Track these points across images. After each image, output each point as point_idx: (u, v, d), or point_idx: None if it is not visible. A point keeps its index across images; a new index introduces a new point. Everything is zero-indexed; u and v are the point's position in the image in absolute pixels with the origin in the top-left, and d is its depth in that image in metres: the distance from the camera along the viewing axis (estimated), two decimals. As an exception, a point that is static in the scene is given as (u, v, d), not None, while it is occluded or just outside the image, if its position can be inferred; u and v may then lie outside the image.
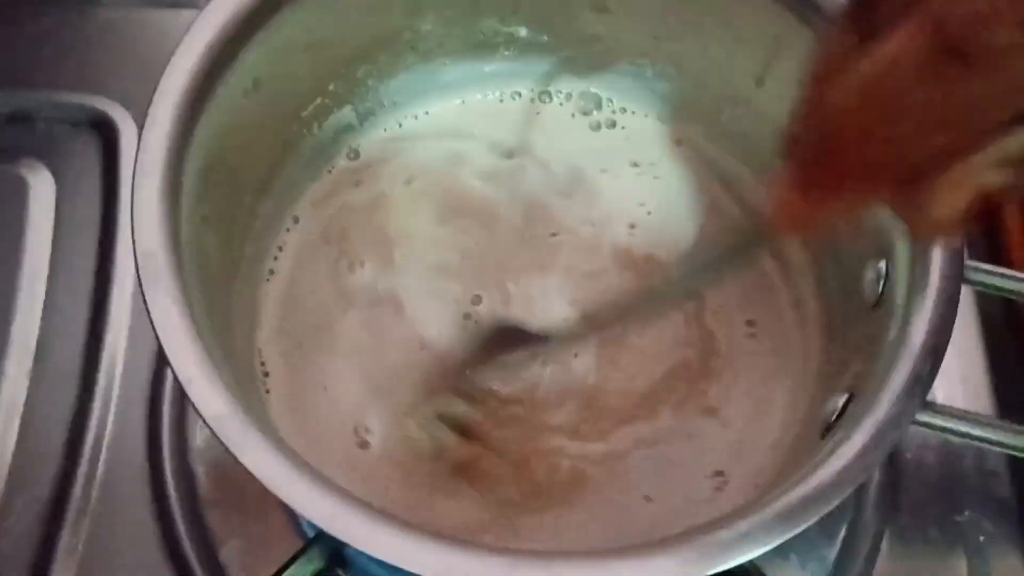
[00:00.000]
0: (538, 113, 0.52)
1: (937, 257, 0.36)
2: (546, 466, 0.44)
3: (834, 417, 0.37)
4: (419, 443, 0.44)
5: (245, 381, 0.42)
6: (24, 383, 0.50)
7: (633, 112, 0.52)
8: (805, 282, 0.47)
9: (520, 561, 0.30)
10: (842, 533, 0.48)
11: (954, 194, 0.26)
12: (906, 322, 0.36)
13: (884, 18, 0.24)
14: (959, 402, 0.50)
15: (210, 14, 0.39)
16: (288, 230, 0.48)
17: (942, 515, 0.49)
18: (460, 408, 0.44)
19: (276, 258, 0.48)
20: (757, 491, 0.42)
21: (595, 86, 0.52)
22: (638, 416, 0.45)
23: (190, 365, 0.32)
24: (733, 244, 0.34)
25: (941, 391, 0.50)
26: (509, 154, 0.51)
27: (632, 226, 0.49)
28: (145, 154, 0.36)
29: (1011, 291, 0.38)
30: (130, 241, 0.34)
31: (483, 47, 0.50)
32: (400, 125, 0.51)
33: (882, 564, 0.47)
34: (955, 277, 0.36)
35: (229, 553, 0.47)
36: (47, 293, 0.52)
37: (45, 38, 0.59)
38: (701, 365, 0.46)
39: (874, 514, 0.48)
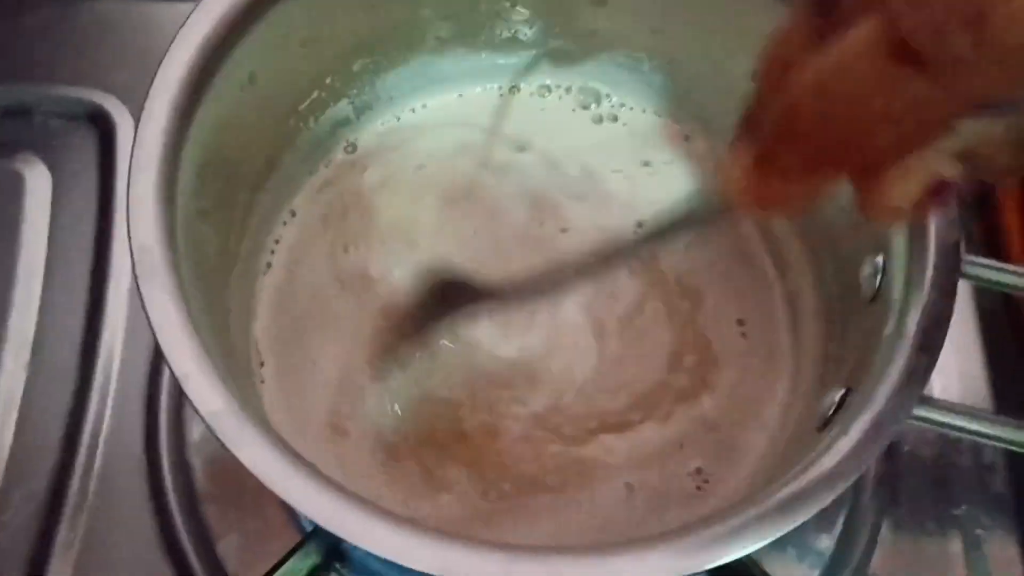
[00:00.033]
0: (542, 109, 0.52)
1: (934, 251, 0.36)
2: (529, 458, 0.44)
3: (831, 411, 0.37)
4: (397, 428, 0.44)
5: (242, 376, 0.42)
6: (21, 377, 0.50)
7: (632, 108, 0.52)
8: (802, 277, 0.47)
9: (518, 556, 0.30)
10: (840, 526, 0.48)
11: (907, 182, 0.27)
12: (903, 316, 0.36)
13: (844, 11, 0.25)
14: (956, 396, 0.50)
15: (206, 7, 0.39)
16: (285, 224, 0.48)
17: (939, 508, 0.49)
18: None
19: (273, 251, 0.48)
20: (748, 488, 0.43)
21: (593, 80, 0.52)
22: (626, 412, 0.45)
23: (187, 361, 0.32)
24: (690, 213, 0.34)
25: (938, 385, 0.50)
26: (507, 146, 0.51)
27: (640, 224, 0.49)
28: (141, 149, 0.35)
29: (1008, 285, 0.38)
30: (127, 236, 0.34)
31: (481, 41, 0.50)
32: (398, 119, 0.51)
33: (879, 557, 0.48)
34: (952, 271, 0.36)
35: (227, 547, 0.47)
36: (44, 287, 0.52)
37: (41, 32, 0.59)
38: (695, 362, 0.46)
39: (871, 507, 0.48)
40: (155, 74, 0.37)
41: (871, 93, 0.25)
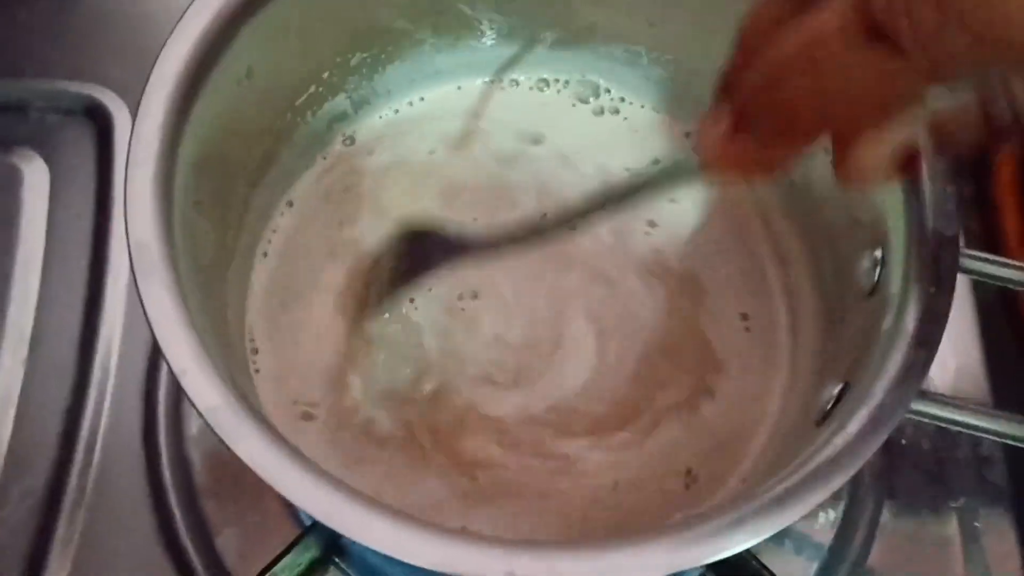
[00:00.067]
0: (544, 104, 0.52)
1: (933, 246, 0.36)
2: (511, 455, 0.44)
3: (829, 406, 0.37)
4: (374, 416, 0.44)
5: (239, 371, 0.42)
6: (19, 373, 0.50)
7: (631, 102, 0.52)
8: (800, 271, 0.47)
9: (517, 552, 0.30)
10: (838, 519, 0.48)
11: (878, 149, 0.29)
12: (901, 311, 0.36)
13: None
14: (954, 390, 0.51)
15: (203, 2, 0.38)
16: (283, 215, 0.48)
17: (937, 501, 0.49)
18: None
19: (270, 241, 0.48)
20: (742, 485, 0.43)
21: (592, 74, 0.52)
22: (618, 412, 0.45)
23: (184, 356, 0.32)
24: (664, 172, 0.35)
25: (937, 379, 0.51)
26: (516, 138, 0.51)
27: (652, 224, 0.49)
28: (138, 145, 0.35)
29: (1006, 280, 0.38)
30: (124, 232, 0.34)
31: (479, 34, 0.50)
32: (396, 112, 0.51)
33: (877, 550, 0.48)
34: (951, 266, 0.36)
35: (226, 541, 0.47)
36: (42, 282, 0.52)
37: (38, 26, 0.59)
38: (695, 360, 0.46)
39: (869, 500, 0.48)
40: (151, 69, 0.37)
41: (843, 68, 0.26)
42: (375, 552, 0.30)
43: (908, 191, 0.37)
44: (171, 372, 0.32)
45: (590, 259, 0.48)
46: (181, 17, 0.38)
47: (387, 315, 0.46)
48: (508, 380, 0.45)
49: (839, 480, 0.32)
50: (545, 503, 0.43)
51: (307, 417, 0.44)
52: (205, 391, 0.32)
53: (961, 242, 0.37)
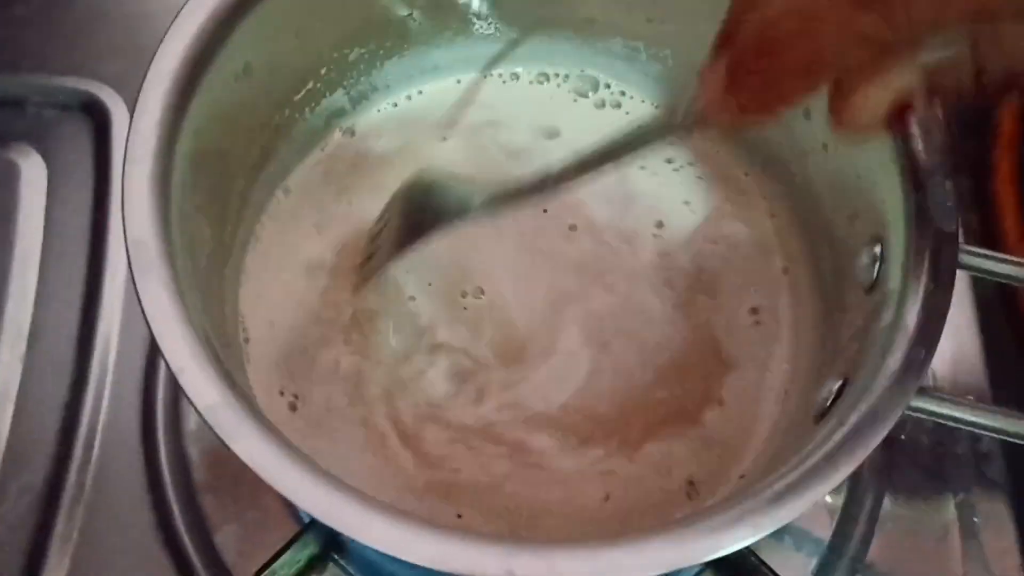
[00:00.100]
0: (551, 97, 0.52)
1: (932, 241, 0.36)
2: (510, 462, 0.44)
3: (828, 402, 0.37)
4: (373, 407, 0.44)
5: (236, 367, 0.42)
6: (17, 369, 0.50)
7: (632, 96, 0.52)
8: (800, 266, 0.47)
9: (517, 550, 0.30)
10: (837, 515, 0.48)
11: (874, 98, 0.30)
12: (901, 307, 0.36)
13: None
14: (953, 386, 0.50)
15: (201, -4, 0.38)
16: (279, 202, 0.48)
17: (936, 496, 0.49)
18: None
19: (263, 224, 0.47)
20: (740, 483, 0.43)
21: (591, 68, 0.52)
22: (617, 423, 0.44)
23: (182, 354, 0.32)
24: (660, 127, 0.35)
25: (935, 375, 0.50)
26: (528, 131, 0.51)
27: (660, 224, 0.49)
28: (135, 142, 0.35)
29: (1006, 276, 0.38)
30: (122, 230, 0.34)
31: (477, 28, 0.50)
32: (395, 105, 0.51)
33: (876, 545, 0.48)
34: (951, 262, 0.36)
35: (225, 538, 0.47)
36: (39, 278, 0.52)
37: (34, 21, 0.59)
38: (701, 366, 0.46)
39: (868, 495, 0.48)
40: (149, 65, 0.37)
41: (843, 17, 0.27)
42: (374, 549, 0.30)
43: (908, 187, 0.37)
44: (170, 369, 0.32)
45: (597, 262, 0.47)
46: (178, 13, 0.38)
47: (387, 313, 0.46)
48: (498, 383, 0.45)
49: (838, 477, 0.32)
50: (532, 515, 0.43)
51: (291, 407, 0.44)
52: (203, 389, 0.32)
53: (960, 238, 0.37)
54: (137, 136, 0.35)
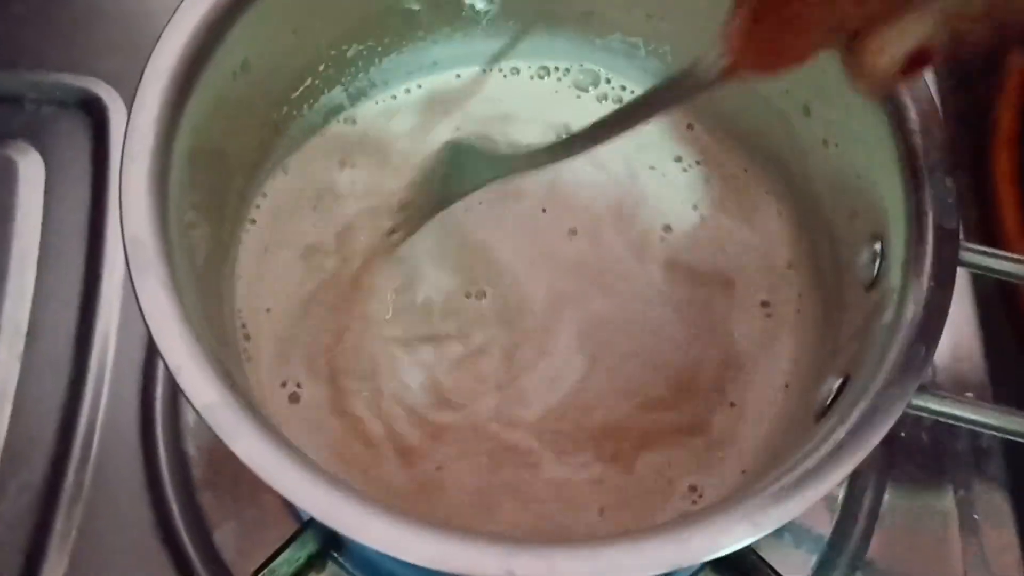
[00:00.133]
0: (555, 91, 0.52)
1: (933, 239, 0.36)
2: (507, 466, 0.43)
3: (829, 400, 0.37)
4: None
5: (234, 364, 0.41)
6: (15, 367, 0.50)
7: (632, 91, 0.51)
8: (801, 265, 0.47)
9: (517, 550, 0.30)
10: (837, 512, 0.48)
11: (891, 47, 0.30)
12: (901, 305, 0.36)
13: None
14: (953, 383, 0.50)
15: (198, -7, 0.38)
16: (274, 179, 0.48)
17: (936, 493, 0.49)
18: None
19: (259, 206, 0.47)
20: (741, 480, 0.43)
21: (591, 63, 0.51)
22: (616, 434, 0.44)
23: (180, 353, 0.32)
24: (682, 84, 0.35)
25: (935, 372, 0.50)
26: (545, 129, 0.51)
27: (667, 228, 0.49)
28: (133, 140, 0.35)
29: (1006, 273, 0.38)
30: (120, 229, 0.34)
31: (475, 24, 0.49)
32: (394, 97, 0.51)
33: (876, 542, 0.48)
34: (951, 260, 0.36)
35: (224, 536, 0.47)
36: (37, 276, 0.52)
37: (31, 18, 0.59)
38: (713, 365, 0.46)
39: (868, 492, 0.48)
40: (146, 62, 0.37)
41: None
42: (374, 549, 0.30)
43: (908, 185, 0.37)
44: (167, 367, 0.32)
45: (607, 265, 0.47)
46: (176, 9, 0.38)
47: (388, 310, 0.46)
48: (498, 382, 0.45)
49: (839, 476, 0.32)
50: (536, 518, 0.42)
51: (293, 399, 0.44)
52: (201, 388, 0.32)
53: (960, 235, 0.37)
54: (135, 133, 0.35)
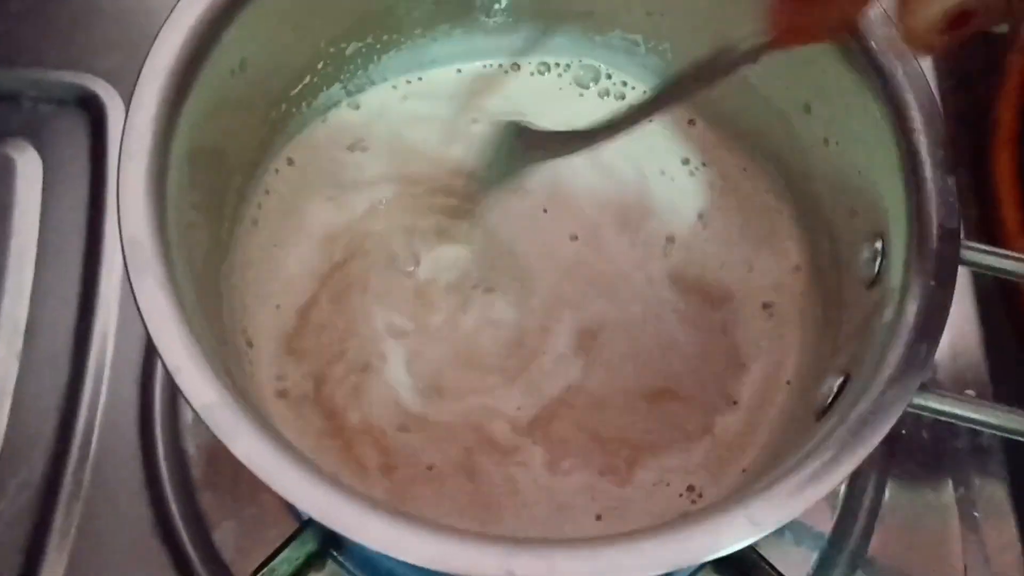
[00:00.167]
0: (560, 88, 0.52)
1: (934, 237, 0.36)
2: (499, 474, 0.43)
3: (830, 399, 0.37)
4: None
5: (233, 363, 0.41)
6: (14, 365, 0.50)
7: (634, 88, 0.51)
8: (801, 264, 0.47)
9: (517, 550, 0.30)
10: (837, 509, 0.48)
11: (930, 8, 0.31)
12: (902, 303, 0.36)
13: None
14: (954, 381, 0.50)
15: (197, -9, 0.38)
16: (277, 171, 0.48)
17: (936, 491, 0.49)
18: None
19: (259, 205, 0.47)
20: (742, 480, 0.42)
21: (590, 60, 0.51)
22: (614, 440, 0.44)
23: (178, 354, 0.32)
24: (724, 60, 0.36)
25: (936, 370, 0.50)
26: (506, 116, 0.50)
27: (669, 231, 0.48)
28: (130, 138, 0.35)
29: (1006, 272, 0.38)
30: (118, 229, 0.34)
31: (475, 21, 0.49)
32: (394, 88, 0.51)
33: (877, 540, 0.48)
34: (952, 258, 0.36)
35: (223, 535, 0.47)
36: (36, 273, 0.52)
37: (29, 15, 0.58)
38: (714, 380, 0.46)
39: (869, 490, 0.48)
40: (144, 61, 0.36)
41: None
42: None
43: (909, 183, 0.37)
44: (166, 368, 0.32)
45: (607, 266, 0.47)
46: (174, 7, 0.38)
47: (389, 308, 0.46)
48: (497, 383, 0.45)
49: (840, 476, 0.32)
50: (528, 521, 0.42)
51: (294, 399, 0.44)
52: (200, 388, 0.32)
53: (961, 232, 0.37)
54: (132, 133, 0.35)
